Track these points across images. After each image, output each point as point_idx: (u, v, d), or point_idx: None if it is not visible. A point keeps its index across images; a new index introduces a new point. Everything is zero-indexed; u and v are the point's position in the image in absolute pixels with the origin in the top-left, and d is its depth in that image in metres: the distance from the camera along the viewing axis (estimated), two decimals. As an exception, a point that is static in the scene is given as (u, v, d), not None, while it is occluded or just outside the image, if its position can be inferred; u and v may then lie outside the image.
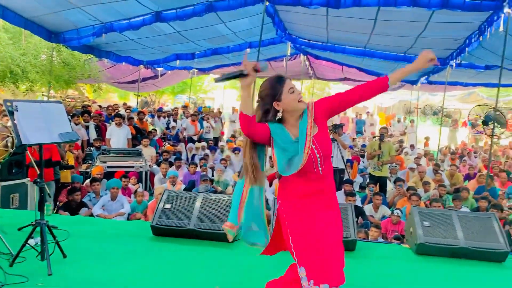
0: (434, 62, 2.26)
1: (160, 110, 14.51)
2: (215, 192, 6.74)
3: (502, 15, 7.20)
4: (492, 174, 9.29)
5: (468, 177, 10.24)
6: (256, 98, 2.26)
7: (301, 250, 2.11)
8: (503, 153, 14.26)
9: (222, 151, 11.12)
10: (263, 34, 8.45)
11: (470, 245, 3.58)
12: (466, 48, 9.59)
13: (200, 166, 9.02)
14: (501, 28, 7.49)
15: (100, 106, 14.57)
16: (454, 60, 10.91)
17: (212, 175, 8.79)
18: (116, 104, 13.98)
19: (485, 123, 8.24)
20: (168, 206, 3.87)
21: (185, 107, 15.93)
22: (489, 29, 8.05)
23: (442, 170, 10.05)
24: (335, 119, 19.46)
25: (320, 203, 2.18)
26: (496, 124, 7.99)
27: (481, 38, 8.59)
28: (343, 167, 8.57)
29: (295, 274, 2.17)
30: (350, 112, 26.53)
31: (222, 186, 8.10)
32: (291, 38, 11.83)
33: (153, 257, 3.38)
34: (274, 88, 2.15)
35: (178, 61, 12.98)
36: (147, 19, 8.12)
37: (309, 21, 9.70)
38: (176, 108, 16.61)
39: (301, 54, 14.39)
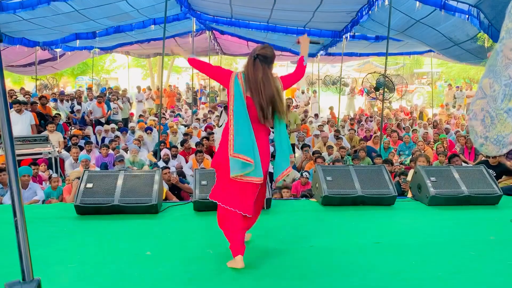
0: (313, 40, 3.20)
1: (62, 93, 13.75)
2: (132, 171, 6.76)
3: (387, -10, 7.98)
4: (385, 135, 10.40)
5: (365, 139, 11.32)
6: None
7: None
8: (394, 116, 15.83)
9: (133, 132, 10.99)
10: (167, 10, 8.45)
11: (366, 193, 4.18)
12: (358, 21, 10.45)
13: (113, 149, 8.89)
14: (386, 2, 8.33)
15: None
16: (348, 33, 11.80)
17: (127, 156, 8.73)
18: (12, 90, 12.96)
19: (376, 89, 9.19)
20: (90, 185, 3.94)
21: (89, 89, 15.24)
22: (376, 2, 8.88)
23: (342, 135, 10.98)
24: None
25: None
26: (386, 89, 8.96)
27: (370, 11, 9.43)
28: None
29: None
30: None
31: (138, 166, 8.12)
32: (195, 14, 11.87)
33: (82, 234, 3.47)
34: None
35: (78, 41, 12.37)
36: (42, -3, 7.70)
37: (213, -4, 9.84)
38: (79, 90, 15.83)
39: (206, 30, 14.47)
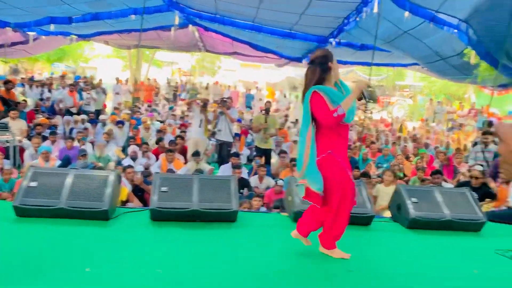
0: (369, 92, 2.99)
1: (32, 79, 13.07)
2: (94, 168, 6.30)
3: (376, -3, 7.72)
4: (364, 146, 10.15)
5: (345, 149, 11.07)
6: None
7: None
8: (374, 126, 15.66)
9: (104, 124, 10.45)
10: (148, 1, 8.00)
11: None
12: (345, 27, 10.19)
13: (79, 141, 8.37)
14: (375, 10, 8.05)
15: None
16: (334, 39, 11.54)
17: (93, 150, 8.22)
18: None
19: (359, 99, 8.93)
20: (33, 184, 3.48)
21: (62, 76, 14.58)
22: (365, 9, 8.62)
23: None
24: (226, 93, 19.57)
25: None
26: (369, 100, 8.70)
27: (358, 18, 9.17)
28: (231, 140, 8.64)
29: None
30: (241, 87, 26.87)
31: (103, 162, 7.62)
32: (178, 7, 11.41)
33: (17, 239, 3.02)
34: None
35: (52, 25, 11.74)
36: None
37: (196, -11, 9.43)
38: (51, 77, 15.14)
39: (190, 25, 14.01)
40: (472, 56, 9.18)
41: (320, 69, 2.92)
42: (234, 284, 2.60)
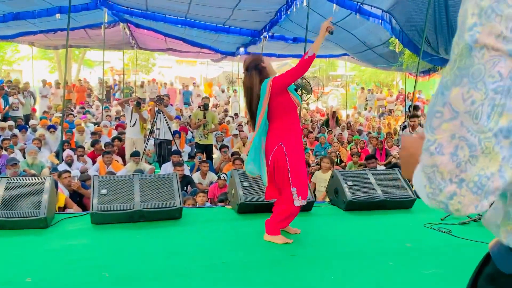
0: (331, 28, 3.14)
1: (-51, 85, 12.09)
2: (27, 176, 5.98)
3: (305, -10, 7.95)
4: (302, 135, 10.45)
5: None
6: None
7: (295, 176, 3.10)
8: (311, 117, 16.14)
9: (34, 130, 9.91)
10: (74, -2, 7.68)
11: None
12: (278, 21, 10.39)
13: (6, 149, 7.89)
14: (304, 3, 8.30)
15: None
16: (268, 32, 11.73)
17: (24, 158, 7.79)
18: None
19: (295, 90, 9.18)
20: (-40, 196, 3.28)
21: (-17, 81, 13.61)
22: (295, 3, 8.85)
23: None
24: (162, 91, 19.21)
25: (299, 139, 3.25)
26: (303, 91, 8.97)
27: (288, 12, 9.39)
28: (171, 138, 8.54)
29: (281, 204, 3.19)
30: (177, 84, 26.50)
31: (36, 169, 7.25)
32: (107, 4, 11.05)
33: None
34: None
35: (-32, 26, 10.93)
36: None
37: (125, -14, 9.19)
38: (-29, 83, 14.09)
39: (120, 22, 13.60)
40: (396, 45, 9.74)
41: (256, 71, 3.18)
42: (185, 276, 2.63)
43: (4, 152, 7.63)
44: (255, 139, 3.17)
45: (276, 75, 3.18)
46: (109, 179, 3.81)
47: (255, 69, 3.19)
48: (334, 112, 13.53)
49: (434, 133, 0.76)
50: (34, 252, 2.96)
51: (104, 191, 3.56)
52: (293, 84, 3.24)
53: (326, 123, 12.90)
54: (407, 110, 12.63)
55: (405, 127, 8.21)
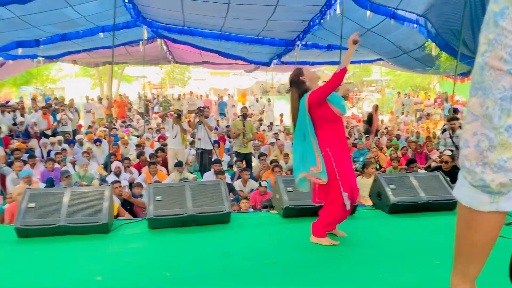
0: (357, 40, 3.21)
1: (4, 104, 12.90)
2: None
3: (338, -1, 8.08)
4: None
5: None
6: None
7: (344, 180, 3.20)
8: (347, 123, 16.10)
9: (81, 144, 10.45)
10: (117, 17, 8.12)
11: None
12: (311, 30, 10.55)
13: (59, 162, 8.38)
14: (338, 11, 8.43)
15: None
16: (301, 41, 11.90)
17: (74, 170, 8.25)
18: None
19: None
20: (32, 205, 3.59)
21: (33, 99, 14.43)
22: (328, 11, 8.98)
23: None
24: (199, 103, 19.69)
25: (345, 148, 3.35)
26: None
27: (322, 20, 9.53)
28: (211, 148, 8.82)
29: (328, 208, 3.30)
30: (213, 95, 27.02)
31: (87, 180, 7.68)
32: (146, 22, 11.54)
33: (25, 259, 3.14)
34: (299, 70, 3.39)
35: (20, 49, 11.66)
36: (-22, 2, 7.13)
37: (164, 4, 9.59)
38: (21, 101, 14.96)
39: (158, 38, 14.13)
40: (433, 48, 9.67)
41: (295, 87, 3.34)
42: (241, 275, 2.80)
43: (57, 166, 8.10)
44: (299, 154, 3.32)
45: (314, 89, 3.26)
46: (162, 186, 4.06)
47: (295, 85, 3.34)
48: (376, 106, 13.39)
49: (462, 134, 1.15)
50: (99, 255, 3.22)
51: (158, 197, 3.80)
52: (339, 95, 3.38)
53: (369, 120, 12.71)
54: (446, 113, 12.44)
55: (445, 130, 8.15)
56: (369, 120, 12.68)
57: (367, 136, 11.40)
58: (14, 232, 3.50)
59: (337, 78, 3.15)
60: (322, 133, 3.27)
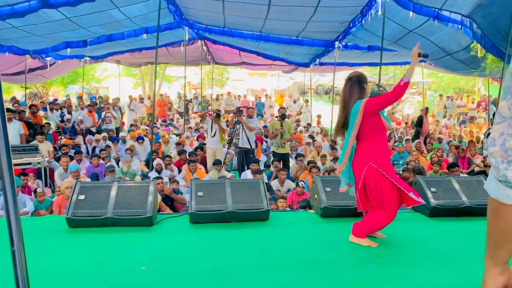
0: (422, 52, 3.22)
1: (53, 102, 13.56)
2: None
3: (380, 0, 7.99)
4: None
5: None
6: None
7: (401, 183, 3.23)
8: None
9: (124, 141, 10.82)
10: (160, 19, 8.37)
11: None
12: (351, 30, 10.46)
13: (103, 158, 8.73)
14: (379, 12, 8.33)
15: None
16: (341, 42, 11.82)
17: (118, 166, 8.57)
18: (0, 98, 12.72)
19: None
20: (82, 197, 3.81)
21: (80, 98, 15.06)
22: (369, 12, 8.89)
23: (337, 145, 10.93)
24: (236, 103, 19.92)
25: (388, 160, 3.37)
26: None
27: (363, 21, 9.44)
28: (249, 147, 8.92)
29: (378, 215, 3.31)
30: (250, 96, 27.22)
31: (130, 176, 7.96)
32: (188, 23, 11.81)
33: (74, 248, 3.34)
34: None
35: (68, 49, 12.22)
36: (33, 5, 7.53)
37: (206, 6, 9.79)
38: (69, 99, 15.65)
39: (198, 39, 14.42)
40: (478, 50, 9.38)
41: (359, 87, 3.29)
42: (279, 271, 2.87)
43: (101, 161, 8.44)
44: (347, 158, 3.34)
45: (368, 98, 3.25)
46: (204, 182, 4.19)
47: (358, 85, 3.29)
48: (426, 109, 12.98)
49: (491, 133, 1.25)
50: (144, 246, 3.37)
51: (200, 193, 3.93)
52: (370, 92, 3.40)
53: (420, 122, 12.34)
54: (491, 117, 12.02)
55: (489, 134, 7.90)
56: (419, 123, 12.35)
57: (418, 141, 11.12)
58: (65, 222, 3.72)
59: (400, 91, 3.12)
60: (367, 144, 3.26)
